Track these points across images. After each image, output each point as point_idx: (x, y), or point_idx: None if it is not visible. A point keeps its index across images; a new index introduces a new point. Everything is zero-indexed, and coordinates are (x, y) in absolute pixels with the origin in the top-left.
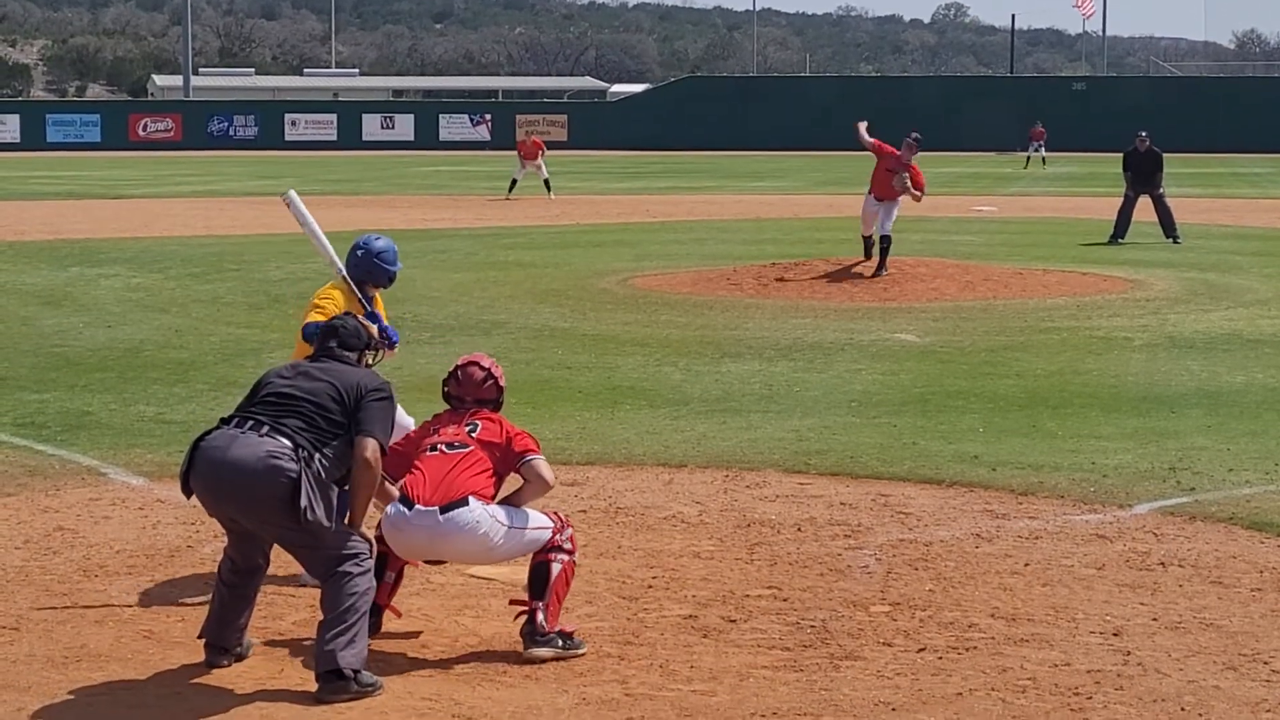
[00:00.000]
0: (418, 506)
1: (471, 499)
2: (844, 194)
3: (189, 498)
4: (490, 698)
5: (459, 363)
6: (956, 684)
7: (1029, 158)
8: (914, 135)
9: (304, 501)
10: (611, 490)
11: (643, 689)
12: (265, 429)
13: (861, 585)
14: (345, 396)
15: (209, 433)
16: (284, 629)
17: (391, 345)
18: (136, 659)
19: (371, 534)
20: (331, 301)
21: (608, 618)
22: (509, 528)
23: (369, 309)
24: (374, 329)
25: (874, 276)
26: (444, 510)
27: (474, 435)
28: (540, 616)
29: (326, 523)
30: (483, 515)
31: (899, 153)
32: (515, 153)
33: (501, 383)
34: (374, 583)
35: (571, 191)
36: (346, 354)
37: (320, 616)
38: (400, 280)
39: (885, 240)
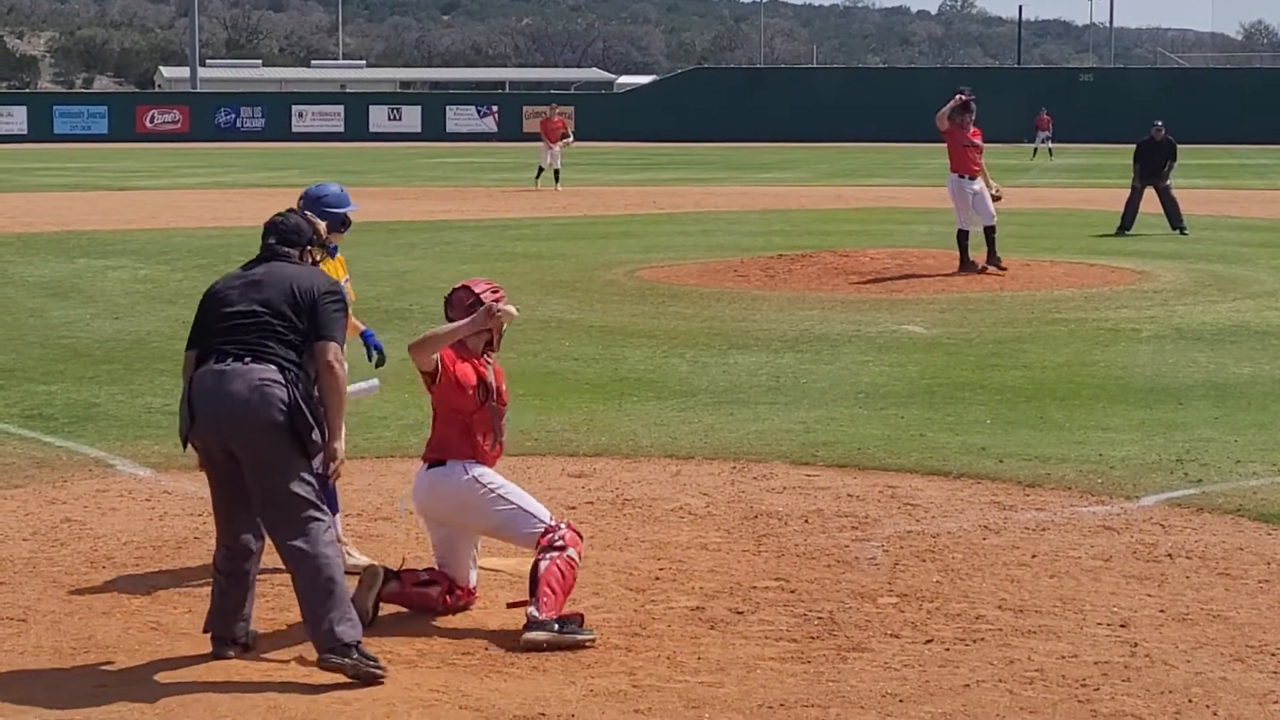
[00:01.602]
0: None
1: (449, 461)
2: (851, 185)
3: (185, 449)
4: (497, 689)
5: (455, 285)
6: (964, 675)
7: (1035, 149)
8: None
9: (309, 420)
10: (618, 482)
11: (650, 680)
12: (248, 357)
13: (869, 577)
14: (299, 298)
15: (192, 378)
16: (292, 619)
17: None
18: (144, 650)
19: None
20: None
21: (615, 609)
22: (489, 490)
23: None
24: (321, 226)
25: (986, 267)
26: (430, 467)
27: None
28: (532, 609)
29: (323, 442)
30: (459, 471)
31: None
32: (541, 143)
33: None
34: (340, 549)
35: (578, 183)
36: (288, 250)
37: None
38: (407, 271)
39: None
